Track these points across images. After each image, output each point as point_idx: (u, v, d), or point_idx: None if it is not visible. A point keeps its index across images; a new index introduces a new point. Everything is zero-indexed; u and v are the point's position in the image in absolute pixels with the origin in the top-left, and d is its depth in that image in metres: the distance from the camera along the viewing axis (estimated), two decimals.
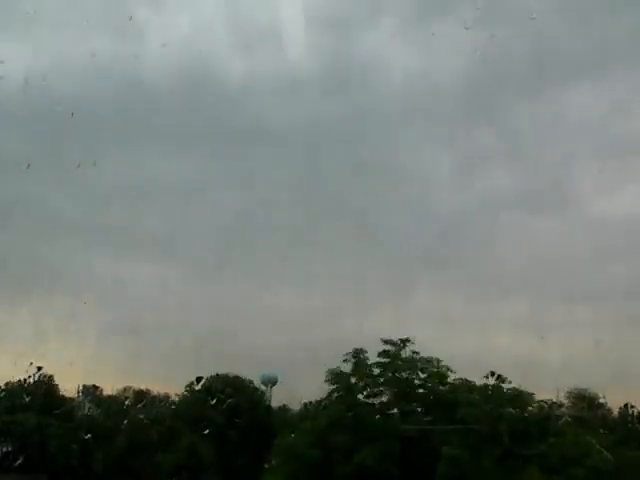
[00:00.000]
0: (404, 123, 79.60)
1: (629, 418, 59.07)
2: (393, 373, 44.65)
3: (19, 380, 65.52)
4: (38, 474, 52.30)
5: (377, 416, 43.91)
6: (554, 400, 50.39)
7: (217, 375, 64.52)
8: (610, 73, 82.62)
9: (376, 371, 45.30)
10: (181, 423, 60.98)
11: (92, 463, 56.93)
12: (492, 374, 45.13)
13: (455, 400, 42.26)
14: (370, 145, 77.26)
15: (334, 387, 45.05)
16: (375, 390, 45.10)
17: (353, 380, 45.11)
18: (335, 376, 44.93)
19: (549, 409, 48.25)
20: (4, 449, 54.04)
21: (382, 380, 44.90)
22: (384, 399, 45.21)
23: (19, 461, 50.67)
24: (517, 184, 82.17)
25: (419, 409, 44.69)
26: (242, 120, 79.09)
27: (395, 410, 44.85)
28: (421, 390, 45.04)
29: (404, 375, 44.79)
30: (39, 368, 63.88)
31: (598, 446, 43.65)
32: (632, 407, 58.36)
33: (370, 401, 45.18)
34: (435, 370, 44.96)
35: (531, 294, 65.44)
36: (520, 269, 67.91)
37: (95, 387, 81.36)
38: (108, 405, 71.72)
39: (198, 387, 65.95)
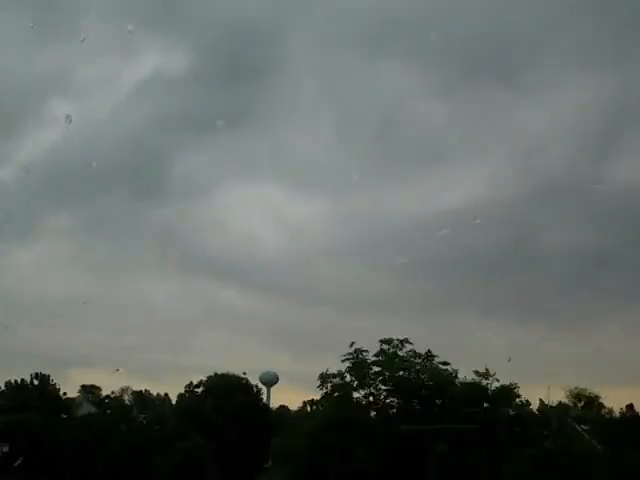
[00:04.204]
0: None
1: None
2: (391, 372, 44.56)
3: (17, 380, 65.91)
4: (37, 474, 52.23)
5: (373, 414, 43.98)
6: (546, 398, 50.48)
7: (216, 375, 64.55)
8: None
9: (375, 370, 45.24)
10: (181, 423, 60.98)
11: (92, 463, 56.90)
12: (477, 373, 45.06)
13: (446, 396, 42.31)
14: None
15: (328, 389, 45.00)
16: (373, 391, 45.06)
17: (349, 379, 45.02)
18: (326, 379, 44.83)
19: (550, 408, 48.32)
20: (3, 449, 53.85)
21: (380, 379, 44.85)
22: (381, 398, 45.22)
23: (18, 461, 50.50)
24: None
25: (417, 407, 44.61)
26: None
27: (393, 409, 44.88)
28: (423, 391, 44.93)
29: (401, 374, 44.72)
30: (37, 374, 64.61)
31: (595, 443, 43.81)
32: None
33: (367, 400, 45.17)
34: (428, 367, 44.88)
35: None
36: None
37: (95, 387, 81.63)
38: (108, 405, 71.78)
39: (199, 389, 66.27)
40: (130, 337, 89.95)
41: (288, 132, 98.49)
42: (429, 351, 45.12)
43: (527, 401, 47.17)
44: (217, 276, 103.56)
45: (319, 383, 45.07)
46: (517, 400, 46.03)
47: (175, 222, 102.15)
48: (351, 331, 74.51)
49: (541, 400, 55.20)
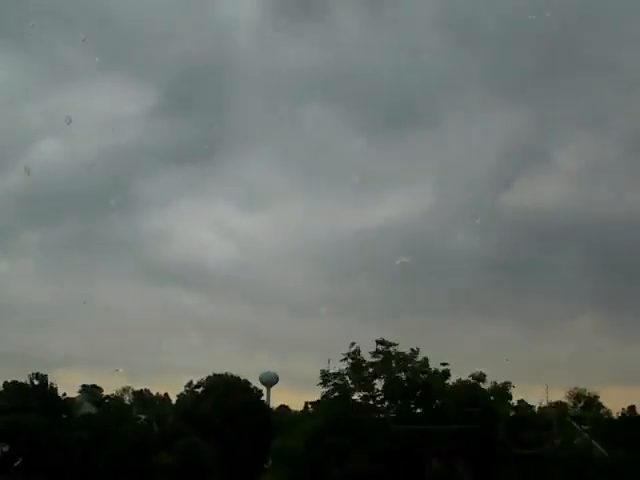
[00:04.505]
0: None
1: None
2: (389, 375, 44.53)
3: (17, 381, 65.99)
4: (38, 474, 52.27)
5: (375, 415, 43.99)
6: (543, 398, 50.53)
7: (216, 375, 64.59)
8: None
9: (371, 370, 45.22)
10: (181, 423, 61.03)
11: (92, 463, 56.92)
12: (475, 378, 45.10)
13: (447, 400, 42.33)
14: None
15: (329, 389, 45.02)
16: (371, 393, 45.04)
17: (348, 380, 44.99)
18: (328, 377, 44.83)
19: (551, 410, 48.33)
20: (3, 449, 53.90)
21: (377, 381, 44.84)
22: (379, 399, 45.22)
23: (18, 462, 50.58)
24: None
25: (414, 409, 44.60)
26: None
27: (390, 410, 44.88)
28: (419, 391, 44.87)
29: (400, 375, 44.73)
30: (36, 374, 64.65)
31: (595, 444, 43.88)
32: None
33: (365, 402, 45.17)
34: (432, 370, 44.84)
35: None
36: None
37: (95, 387, 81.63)
38: (108, 405, 71.78)
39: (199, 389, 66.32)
40: (130, 338, 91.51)
41: (238, 161, 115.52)
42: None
43: (521, 401, 47.08)
44: (187, 283, 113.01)
45: (320, 381, 45.07)
46: (513, 401, 46.02)
47: (167, 237, 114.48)
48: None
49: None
